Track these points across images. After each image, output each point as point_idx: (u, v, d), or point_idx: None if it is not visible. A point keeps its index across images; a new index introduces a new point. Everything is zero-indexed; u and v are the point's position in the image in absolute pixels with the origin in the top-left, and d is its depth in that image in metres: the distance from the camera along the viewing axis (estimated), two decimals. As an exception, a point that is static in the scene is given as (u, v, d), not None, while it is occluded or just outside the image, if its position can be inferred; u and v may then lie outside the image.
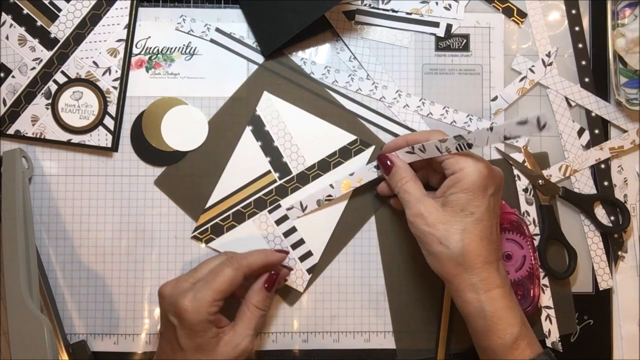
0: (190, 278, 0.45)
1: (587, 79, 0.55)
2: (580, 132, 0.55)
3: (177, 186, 0.54)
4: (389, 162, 0.49)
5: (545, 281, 0.54)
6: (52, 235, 0.53)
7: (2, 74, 0.53)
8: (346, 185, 0.51)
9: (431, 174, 0.50)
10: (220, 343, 0.45)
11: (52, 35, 0.53)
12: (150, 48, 0.54)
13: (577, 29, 0.56)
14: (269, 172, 0.54)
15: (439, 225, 0.44)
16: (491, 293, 0.43)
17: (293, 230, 0.53)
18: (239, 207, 0.53)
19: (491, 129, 0.41)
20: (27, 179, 0.52)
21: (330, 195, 0.52)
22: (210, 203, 0.53)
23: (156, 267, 0.53)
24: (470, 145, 0.43)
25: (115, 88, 0.53)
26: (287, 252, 0.50)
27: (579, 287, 0.55)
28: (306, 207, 0.53)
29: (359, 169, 0.52)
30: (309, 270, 0.53)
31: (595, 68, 0.56)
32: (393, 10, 0.55)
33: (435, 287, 0.53)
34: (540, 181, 0.54)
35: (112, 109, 0.53)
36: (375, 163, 0.52)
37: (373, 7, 0.55)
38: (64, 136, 0.53)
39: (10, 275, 0.46)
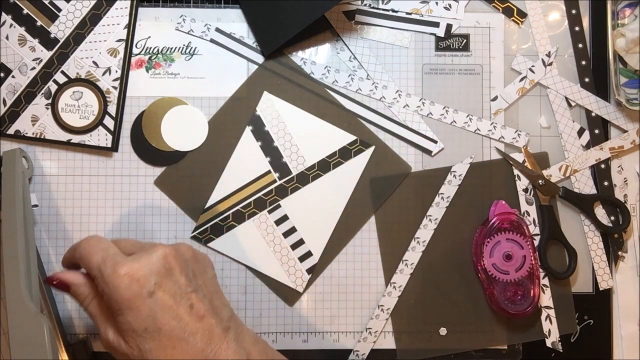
0: None
1: (587, 79, 0.55)
2: (580, 132, 0.55)
3: (177, 186, 0.54)
4: (63, 283, 0.41)
5: (545, 281, 0.54)
6: (52, 235, 0.53)
7: (2, 74, 0.53)
8: None
9: None
10: None
11: (52, 35, 0.53)
12: (150, 48, 0.54)
13: (577, 29, 0.56)
14: (268, 172, 0.54)
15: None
16: None
17: (293, 230, 0.53)
18: (238, 207, 0.53)
19: None
20: (27, 179, 0.52)
21: None
22: (210, 203, 0.53)
23: (156, 267, 0.53)
24: None
25: (115, 88, 0.53)
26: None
27: (579, 287, 0.55)
28: None
29: None
30: (309, 271, 0.53)
31: (595, 68, 0.56)
32: (393, 10, 0.55)
33: (435, 287, 0.53)
34: (540, 181, 0.54)
35: (112, 109, 0.53)
36: None
37: (373, 7, 0.55)
38: (64, 136, 0.53)
39: (10, 275, 0.46)
